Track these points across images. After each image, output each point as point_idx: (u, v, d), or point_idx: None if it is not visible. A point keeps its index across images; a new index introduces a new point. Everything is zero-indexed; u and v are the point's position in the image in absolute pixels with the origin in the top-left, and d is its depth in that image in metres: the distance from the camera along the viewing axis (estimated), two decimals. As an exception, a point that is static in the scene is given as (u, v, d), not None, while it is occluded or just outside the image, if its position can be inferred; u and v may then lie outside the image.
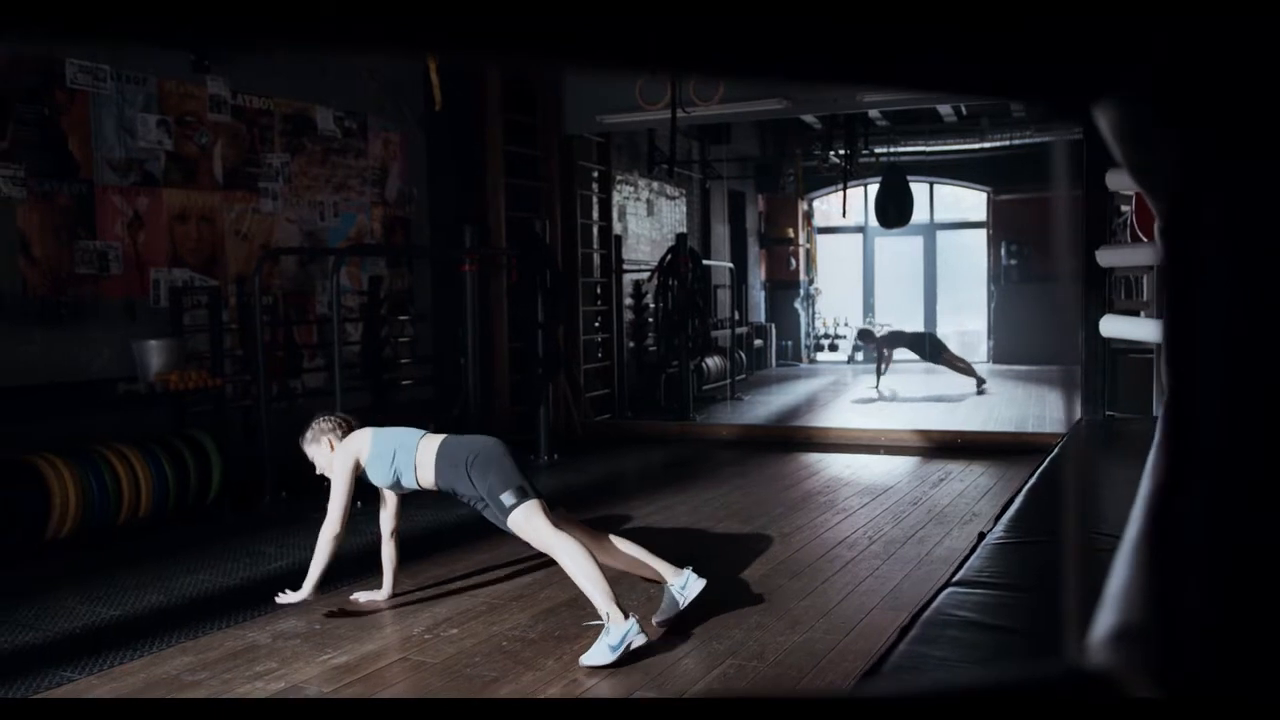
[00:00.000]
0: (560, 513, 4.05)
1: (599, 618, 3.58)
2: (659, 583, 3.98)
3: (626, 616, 3.51)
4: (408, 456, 4.01)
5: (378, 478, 4.08)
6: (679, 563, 3.98)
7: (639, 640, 3.49)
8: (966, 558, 2.67)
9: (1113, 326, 4.69)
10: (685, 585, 3.86)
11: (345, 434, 4.15)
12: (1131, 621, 0.63)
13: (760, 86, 7.19)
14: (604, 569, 3.71)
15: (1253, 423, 0.51)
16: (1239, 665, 0.51)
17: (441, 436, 4.08)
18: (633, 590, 4.18)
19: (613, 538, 4.10)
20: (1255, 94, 0.52)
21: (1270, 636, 0.51)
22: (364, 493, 4.37)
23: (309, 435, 4.20)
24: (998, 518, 3.21)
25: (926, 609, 2.21)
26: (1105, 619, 0.66)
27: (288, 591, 4.13)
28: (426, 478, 4.01)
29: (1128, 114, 0.66)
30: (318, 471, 4.22)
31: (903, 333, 12.69)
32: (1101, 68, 0.53)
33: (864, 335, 13.22)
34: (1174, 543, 0.54)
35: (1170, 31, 0.50)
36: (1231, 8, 0.49)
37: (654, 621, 3.81)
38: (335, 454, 4.09)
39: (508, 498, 3.81)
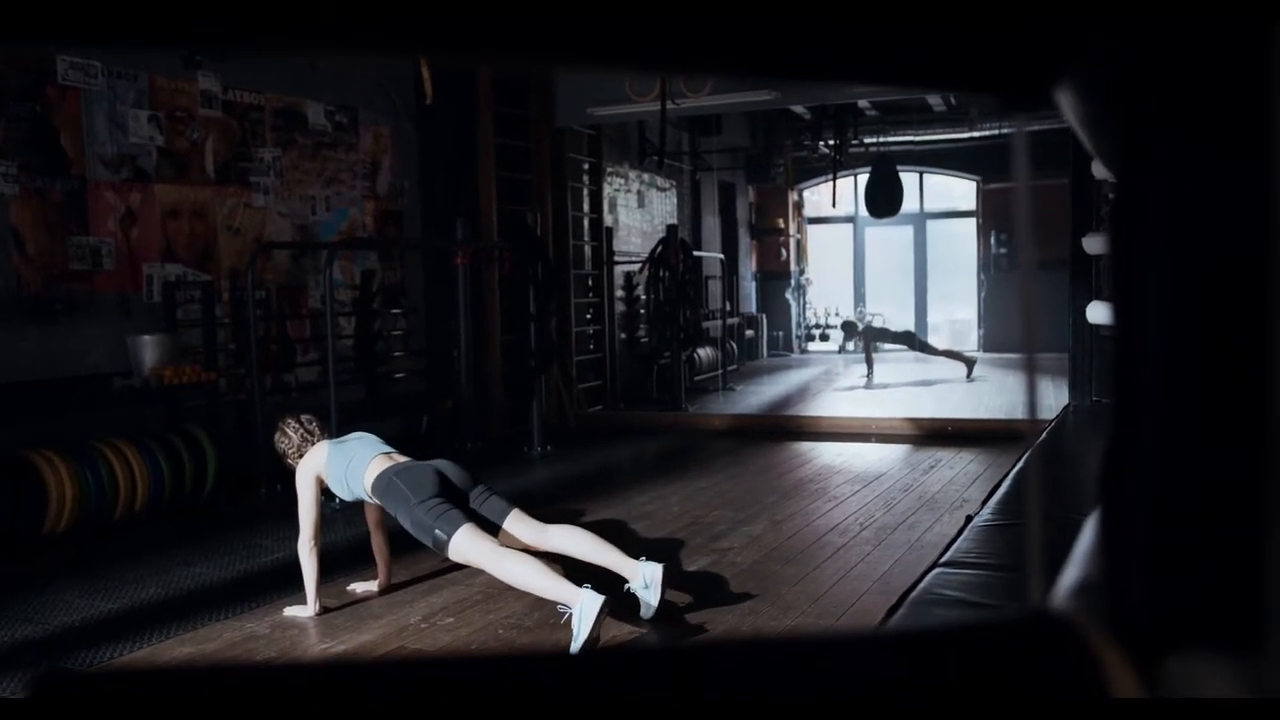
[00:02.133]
0: (514, 516, 3.96)
1: (564, 610, 3.54)
2: (618, 577, 3.83)
3: (579, 587, 3.45)
4: (356, 481, 4.00)
5: (342, 494, 4.11)
6: (671, 557, 3.96)
7: (595, 604, 3.38)
8: (954, 539, 2.72)
9: (1100, 313, 4.75)
10: (646, 581, 3.75)
11: (307, 442, 4.17)
12: (1087, 575, 0.68)
13: (746, 82, 7.21)
14: (556, 564, 3.66)
15: (1190, 390, 0.56)
16: (1178, 609, 0.56)
17: (382, 467, 3.96)
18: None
19: (563, 530, 3.98)
20: (1200, 84, 0.57)
21: (1204, 584, 0.56)
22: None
23: (277, 432, 4.24)
24: (985, 501, 3.26)
25: (914, 589, 2.26)
26: (1070, 575, 0.71)
27: (294, 607, 4.14)
28: (378, 501, 3.99)
29: (1086, 101, 0.70)
30: (286, 463, 4.25)
31: (886, 330, 12.81)
32: (1054, 57, 0.58)
33: (847, 327, 13.32)
34: (1119, 498, 0.58)
35: (1117, 20, 0.55)
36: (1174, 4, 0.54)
37: (642, 618, 3.76)
38: (299, 473, 4.09)
39: (439, 535, 3.69)
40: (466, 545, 3.67)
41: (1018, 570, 2.53)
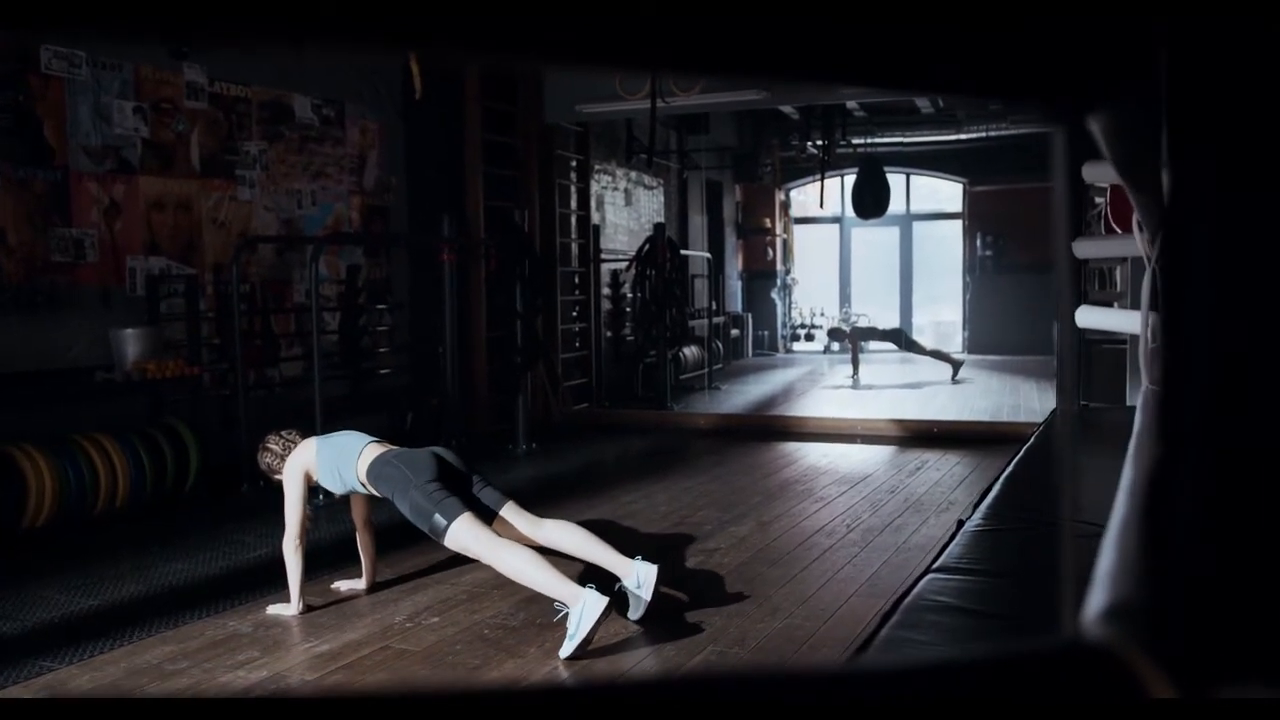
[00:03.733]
0: (509, 508, 3.95)
1: (560, 608, 3.53)
2: (610, 575, 3.83)
3: (582, 587, 3.44)
4: (349, 471, 3.96)
5: (327, 485, 4.07)
6: (656, 557, 3.93)
7: (598, 606, 3.36)
8: (946, 544, 2.70)
9: (1089, 317, 4.74)
10: (639, 581, 3.73)
11: (290, 449, 4.13)
12: (1123, 599, 0.66)
13: (744, 84, 7.20)
14: (552, 560, 3.63)
15: (1238, 411, 0.53)
16: (1226, 636, 0.53)
17: (376, 452, 3.95)
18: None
19: (558, 525, 3.97)
20: (1257, 102, 0.54)
21: (1254, 609, 0.54)
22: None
23: (260, 451, 4.19)
24: (976, 505, 3.25)
25: (908, 595, 2.24)
26: (1097, 598, 0.69)
27: (277, 605, 4.09)
28: (373, 489, 3.97)
29: (1122, 113, 0.68)
30: (275, 478, 4.19)
31: (874, 329, 12.82)
32: (1103, 70, 0.55)
33: (834, 334, 13.38)
34: (1165, 522, 0.56)
35: (1173, 34, 0.52)
36: (1234, 8, 0.51)
37: (630, 618, 3.76)
38: (285, 472, 4.06)
39: (438, 520, 3.67)
40: (465, 533, 3.62)
41: (1011, 576, 2.51)
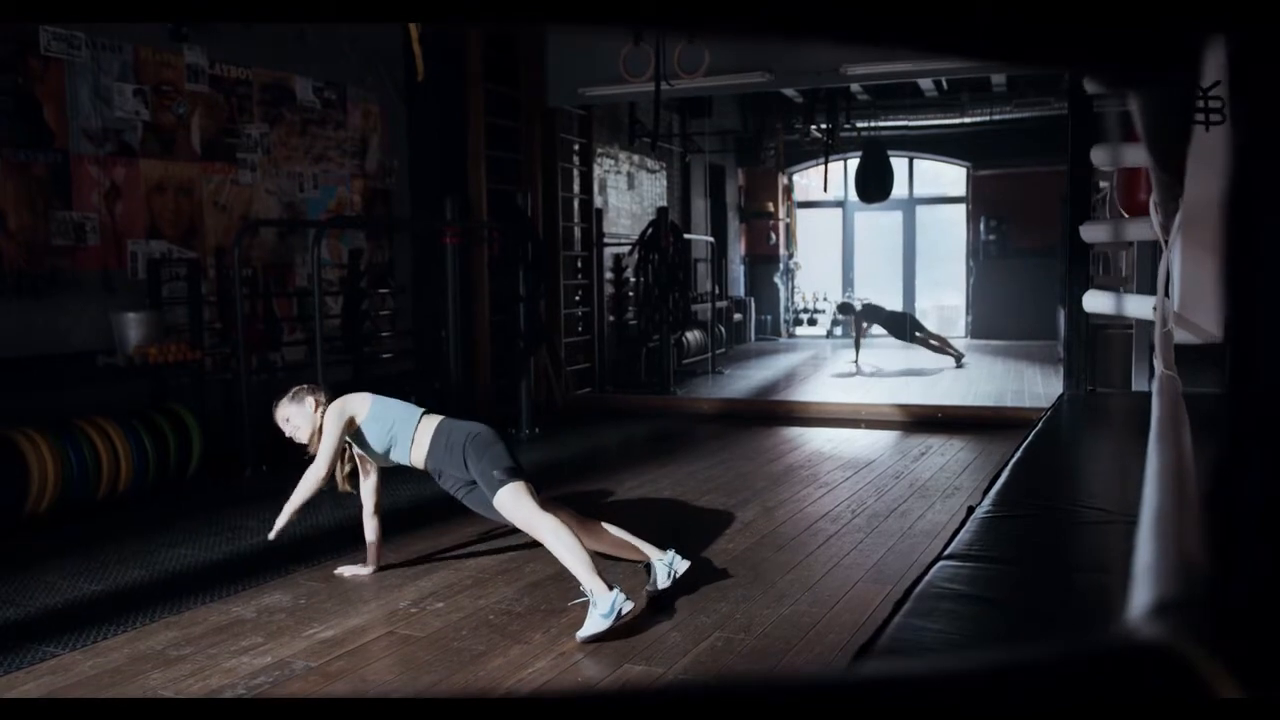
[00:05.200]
0: (545, 498, 4.06)
1: (583, 595, 3.59)
2: (642, 562, 4.02)
3: (610, 588, 3.52)
4: (406, 430, 4.04)
5: (370, 439, 4.08)
6: (663, 543, 4.04)
7: (628, 606, 3.50)
8: (956, 532, 2.68)
9: (1096, 302, 4.71)
10: (672, 562, 3.93)
11: (319, 397, 4.18)
12: (1175, 594, 0.63)
13: (790, 48, 7.08)
14: (588, 550, 3.74)
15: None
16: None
17: (440, 417, 4.10)
18: (616, 567, 4.18)
19: (599, 522, 4.17)
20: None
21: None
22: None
23: (289, 395, 4.19)
24: (986, 491, 3.23)
25: (919, 583, 2.22)
26: (1143, 593, 0.66)
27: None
28: (418, 455, 4.03)
29: (1164, 91, 0.65)
30: (289, 435, 4.19)
31: (881, 309, 12.74)
32: (1175, 41, 0.52)
33: (844, 309, 13.32)
34: (1231, 519, 0.53)
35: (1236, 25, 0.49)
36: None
37: (644, 591, 3.86)
38: (329, 410, 4.08)
39: (500, 475, 3.82)
40: (518, 496, 3.79)
41: (1024, 564, 2.49)
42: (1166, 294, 2.58)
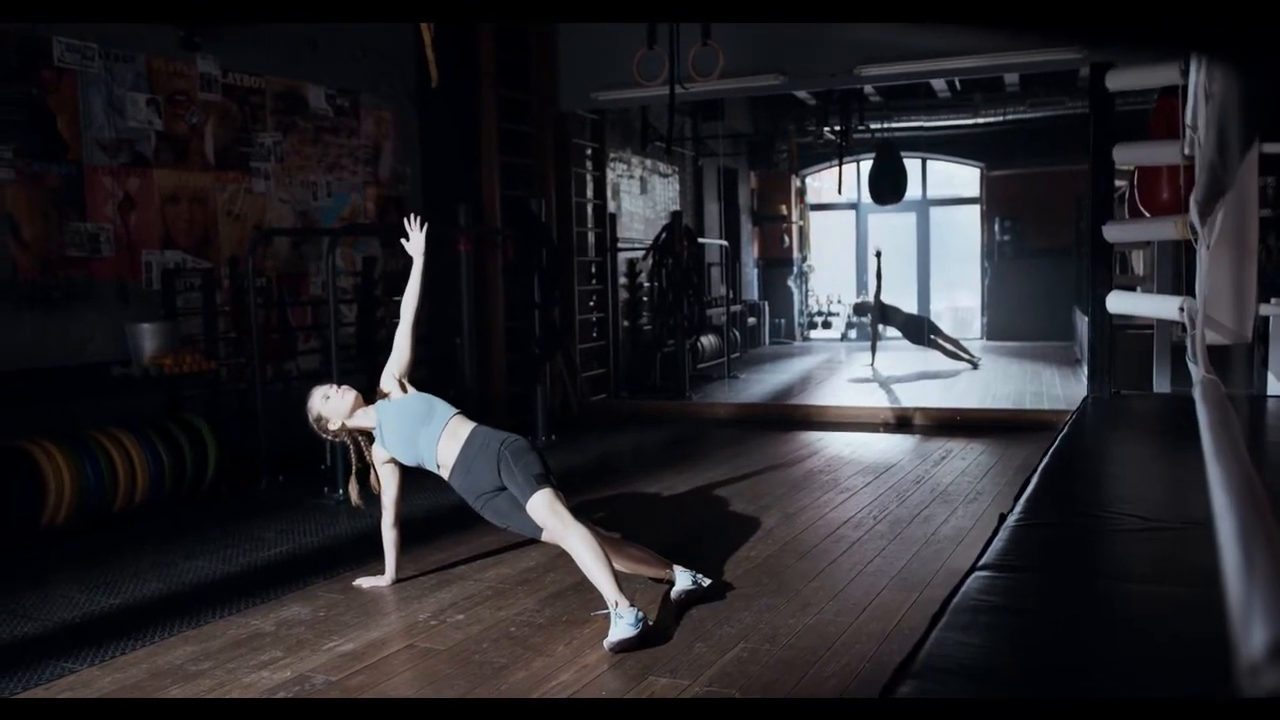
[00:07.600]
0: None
1: (605, 606, 3.55)
2: (663, 580, 4.00)
3: (631, 605, 3.48)
4: (438, 425, 4.03)
5: (391, 433, 4.08)
6: (685, 553, 4.05)
7: (637, 629, 3.45)
8: (990, 540, 2.62)
9: (1121, 303, 4.64)
10: (697, 574, 3.96)
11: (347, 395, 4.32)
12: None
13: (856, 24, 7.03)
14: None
15: None
16: None
17: (474, 422, 4.10)
18: (632, 583, 4.12)
19: (619, 538, 4.18)
20: None
21: None
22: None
23: (325, 389, 4.34)
24: (1016, 498, 3.16)
25: (955, 595, 2.16)
26: (1260, 634, 0.60)
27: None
28: (445, 456, 3.97)
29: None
30: (323, 426, 4.28)
31: (899, 310, 12.66)
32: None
33: (860, 309, 13.27)
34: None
35: None
36: None
37: (670, 596, 3.86)
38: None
39: (536, 480, 3.81)
40: (553, 501, 3.77)
41: (1060, 574, 2.43)
42: (1193, 294, 2.52)
